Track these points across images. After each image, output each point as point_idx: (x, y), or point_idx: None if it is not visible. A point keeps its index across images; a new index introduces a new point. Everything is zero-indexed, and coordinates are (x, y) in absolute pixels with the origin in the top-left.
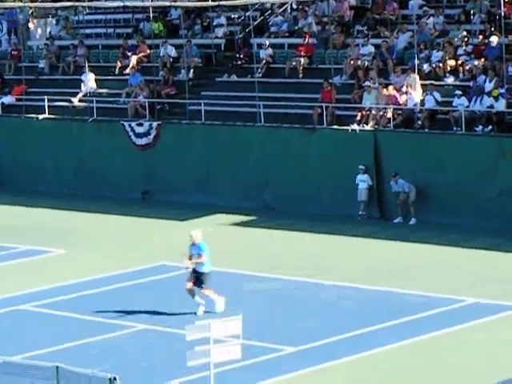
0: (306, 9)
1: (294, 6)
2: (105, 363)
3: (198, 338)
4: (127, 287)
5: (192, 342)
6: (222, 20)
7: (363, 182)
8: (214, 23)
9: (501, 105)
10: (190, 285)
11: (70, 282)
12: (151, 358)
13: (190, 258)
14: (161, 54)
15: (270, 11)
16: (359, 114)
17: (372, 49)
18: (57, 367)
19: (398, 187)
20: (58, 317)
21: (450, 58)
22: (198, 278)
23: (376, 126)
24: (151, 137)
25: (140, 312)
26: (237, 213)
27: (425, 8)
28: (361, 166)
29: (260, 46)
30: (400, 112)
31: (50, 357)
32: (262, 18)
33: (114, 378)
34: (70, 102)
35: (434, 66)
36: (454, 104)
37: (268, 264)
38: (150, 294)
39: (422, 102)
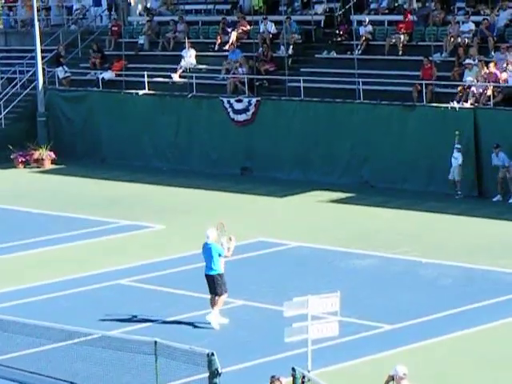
0: None
1: None
2: (202, 339)
3: (295, 315)
4: (225, 263)
5: (290, 319)
6: None
7: (455, 159)
8: (314, 0)
9: None
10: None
11: (170, 257)
12: (248, 333)
13: None
14: (261, 31)
15: None
16: (459, 92)
17: (472, 26)
18: (155, 342)
19: (498, 160)
20: (157, 292)
21: None
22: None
23: (476, 104)
24: (250, 113)
25: (238, 288)
26: (335, 189)
27: None
28: (457, 145)
29: (360, 22)
30: (500, 90)
31: (148, 331)
32: None
33: (212, 354)
34: (169, 77)
35: None
36: None
37: (366, 241)
38: (248, 270)
39: None
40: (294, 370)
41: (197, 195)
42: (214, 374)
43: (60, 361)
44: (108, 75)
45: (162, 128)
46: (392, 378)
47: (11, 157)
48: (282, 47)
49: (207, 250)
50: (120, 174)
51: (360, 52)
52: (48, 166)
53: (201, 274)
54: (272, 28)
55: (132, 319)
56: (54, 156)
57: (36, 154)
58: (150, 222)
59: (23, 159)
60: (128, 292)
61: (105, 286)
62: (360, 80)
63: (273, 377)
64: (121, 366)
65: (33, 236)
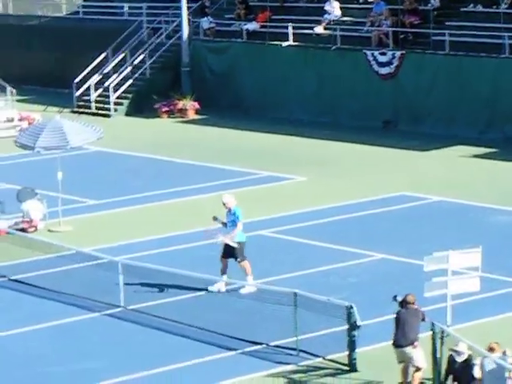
0: None
1: None
2: (341, 291)
3: (435, 269)
4: (366, 216)
5: (430, 273)
6: None
7: None
8: None
9: None
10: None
11: (311, 209)
12: (387, 287)
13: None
14: None
15: None
16: None
17: None
18: (295, 293)
19: None
20: (297, 243)
21: None
22: (230, 250)
23: None
24: (393, 66)
25: (379, 241)
26: (478, 145)
27: None
28: None
29: None
30: None
31: (287, 283)
32: None
33: (351, 306)
34: (313, 29)
35: None
36: None
37: (509, 197)
38: (389, 224)
39: None
40: (433, 325)
41: (339, 147)
42: (352, 326)
43: (199, 310)
44: (252, 26)
45: (305, 80)
46: None
47: (155, 106)
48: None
49: (231, 215)
50: (262, 125)
51: (506, 6)
52: (191, 116)
53: (341, 227)
54: None
55: (272, 270)
56: (197, 106)
57: (180, 104)
58: (291, 174)
59: (167, 109)
60: (269, 243)
61: (246, 237)
62: (506, 34)
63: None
64: (260, 316)
65: (175, 185)
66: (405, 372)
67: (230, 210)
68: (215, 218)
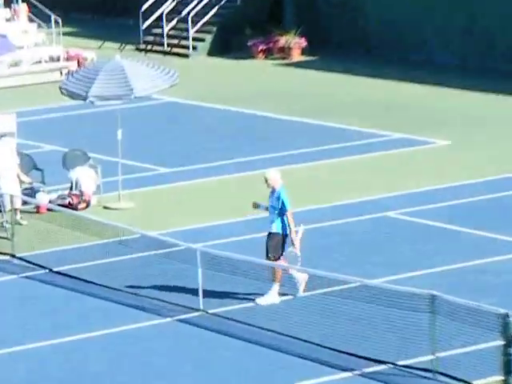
0: None
1: None
2: (495, 293)
3: None
4: None
5: None
6: None
7: None
8: None
9: None
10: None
11: (454, 184)
12: None
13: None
14: None
15: None
16: None
17: None
18: (432, 296)
19: None
20: (434, 228)
21: None
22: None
23: None
24: None
25: None
26: None
27: None
28: None
29: None
30: None
31: (421, 281)
32: None
33: (507, 315)
34: None
35: None
36: None
37: None
38: None
39: None
40: None
41: (493, 102)
42: (509, 341)
43: (296, 315)
44: None
45: (450, 13)
46: None
47: (248, 44)
48: None
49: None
50: (392, 70)
51: None
52: (297, 57)
53: (492, 208)
54: None
55: (400, 264)
56: (304, 44)
57: (281, 41)
58: (430, 136)
59: (264, 47)
60: (396, 228)
61: (367, 220)
62: None
63: None
64: (382, 326)
65: (271, 150)
66: None
67: (273, 191)
68: (257, 206)
